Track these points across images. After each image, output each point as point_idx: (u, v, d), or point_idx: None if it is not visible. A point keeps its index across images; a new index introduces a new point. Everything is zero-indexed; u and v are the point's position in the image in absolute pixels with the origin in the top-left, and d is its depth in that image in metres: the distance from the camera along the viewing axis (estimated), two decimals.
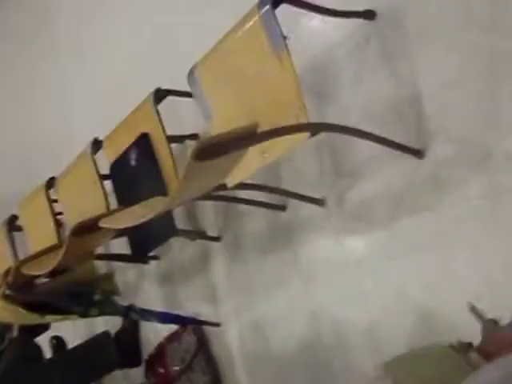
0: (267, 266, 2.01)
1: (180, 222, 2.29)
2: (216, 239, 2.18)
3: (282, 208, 1.93)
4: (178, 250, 2.41)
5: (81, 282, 1.91)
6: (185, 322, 2.13)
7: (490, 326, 0.91)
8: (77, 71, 3.05)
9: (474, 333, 1.43)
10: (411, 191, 1.58)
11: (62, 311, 1.88)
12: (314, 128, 1.24)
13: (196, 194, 1.29)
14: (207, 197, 1.79)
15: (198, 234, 2.22)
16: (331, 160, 1.80)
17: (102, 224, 1.23)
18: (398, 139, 1.51)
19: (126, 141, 1.86)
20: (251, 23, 1.37)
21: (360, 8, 1.59)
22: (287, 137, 1.27)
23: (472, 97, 1.42)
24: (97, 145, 2.07)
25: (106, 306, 1.90)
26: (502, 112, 1.37)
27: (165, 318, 2.05)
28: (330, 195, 1.79)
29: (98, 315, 1.98)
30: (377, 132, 1.48)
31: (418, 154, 1.50)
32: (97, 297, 1.88)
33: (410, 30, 1.54)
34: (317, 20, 1.77)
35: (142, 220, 1.13)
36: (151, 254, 2.50)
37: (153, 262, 2.54)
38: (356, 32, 1.65)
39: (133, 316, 1.98)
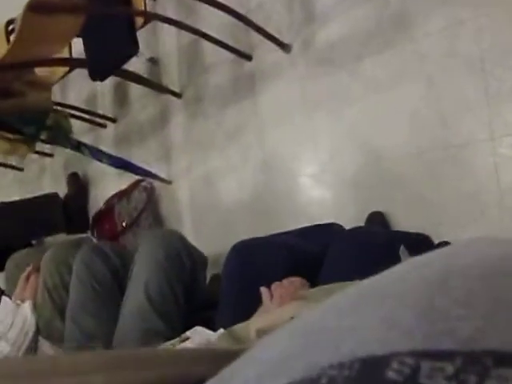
0: (226, 118, 2.00)
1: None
2: (177, 95, 2.16)
3: (248, 58, 1.92)
4: (137, 111, 2.37)
5: (34, 108, 1.86)
6: (135, 171, 2.10)
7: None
8: None
9: (418, 181, 1.47)
10: (378, 31, 1.59)
11: (11, 130, 1.83)
12: None
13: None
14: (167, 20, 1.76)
15: (160, 88, 2.20)
16: (300, 5, 1.80)
17: None
18: None
19: None
20: None
21: None
22: None
23: None
24: None
25: (58, 134, 1.86)
26: None
27: (116, 161, 2.02)
28: (296, 40, 1.80)
29: (48, 142, 1.93)
30: None
31: None
32: (50, 121, 1.83)
33: None
34: None
35: None
36: (110, 116, 2.46)
37: (110, 127, 2.50)
38: None
39: (83, 152, 1.94)
